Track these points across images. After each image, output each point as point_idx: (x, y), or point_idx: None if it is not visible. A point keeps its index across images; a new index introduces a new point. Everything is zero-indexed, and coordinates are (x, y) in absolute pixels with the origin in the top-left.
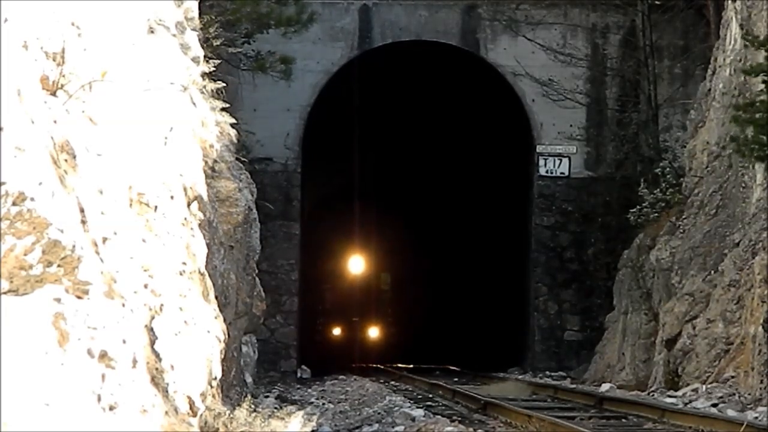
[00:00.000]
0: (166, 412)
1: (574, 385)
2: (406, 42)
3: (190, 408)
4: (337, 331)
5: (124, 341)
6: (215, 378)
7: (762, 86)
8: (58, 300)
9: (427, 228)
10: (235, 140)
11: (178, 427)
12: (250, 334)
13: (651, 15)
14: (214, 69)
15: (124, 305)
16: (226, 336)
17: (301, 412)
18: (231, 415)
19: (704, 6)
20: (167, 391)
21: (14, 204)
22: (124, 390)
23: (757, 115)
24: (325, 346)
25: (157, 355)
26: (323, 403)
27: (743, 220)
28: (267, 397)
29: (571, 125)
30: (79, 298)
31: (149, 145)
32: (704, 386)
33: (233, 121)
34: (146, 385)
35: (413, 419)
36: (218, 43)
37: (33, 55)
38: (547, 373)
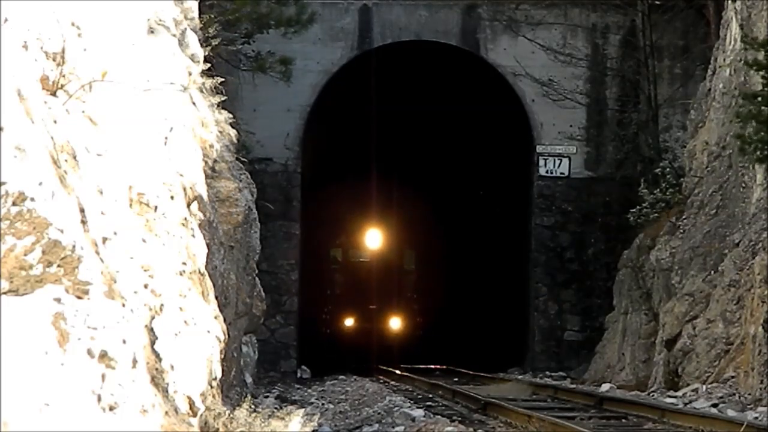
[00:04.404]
0: (166, 412)
1: (574, 385)
2: (406, 42)
3: (190, 408)
4: (349, 321)
5: (124, 341)
6: (215, 378)
7: (761, 81)
8: (58, 300)
9: (426, 228)
10: (235, 140)
11: (178, 427)
12: (250, 334)
13: (651, 15)
14: (214, 69)
15: (124, 305)
16: (226, 336)
17: (301, 412)
18: (231, 415)
19: (704, 6)
20: (167, 391)
21: (14, 204)
22: (124, 390)
23: (762, 109)
24: (335, 341)
25: (157, 355)
26: (323, 403)
27: (743, 220)
28: (267, 397)
29: (571, 125)
30: (79, 298)
31: (149, 145)
32: (704, 386)
33: (233, 120)
34: (146, 385)
35: (413, 419)
36: (218, 42)
37: (33, 55)
38: (547, 373)
